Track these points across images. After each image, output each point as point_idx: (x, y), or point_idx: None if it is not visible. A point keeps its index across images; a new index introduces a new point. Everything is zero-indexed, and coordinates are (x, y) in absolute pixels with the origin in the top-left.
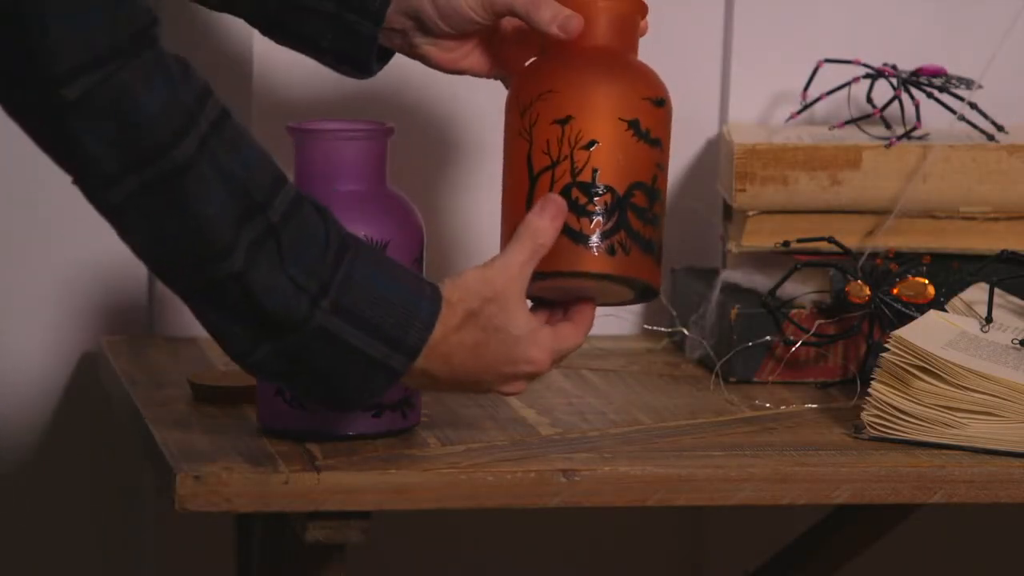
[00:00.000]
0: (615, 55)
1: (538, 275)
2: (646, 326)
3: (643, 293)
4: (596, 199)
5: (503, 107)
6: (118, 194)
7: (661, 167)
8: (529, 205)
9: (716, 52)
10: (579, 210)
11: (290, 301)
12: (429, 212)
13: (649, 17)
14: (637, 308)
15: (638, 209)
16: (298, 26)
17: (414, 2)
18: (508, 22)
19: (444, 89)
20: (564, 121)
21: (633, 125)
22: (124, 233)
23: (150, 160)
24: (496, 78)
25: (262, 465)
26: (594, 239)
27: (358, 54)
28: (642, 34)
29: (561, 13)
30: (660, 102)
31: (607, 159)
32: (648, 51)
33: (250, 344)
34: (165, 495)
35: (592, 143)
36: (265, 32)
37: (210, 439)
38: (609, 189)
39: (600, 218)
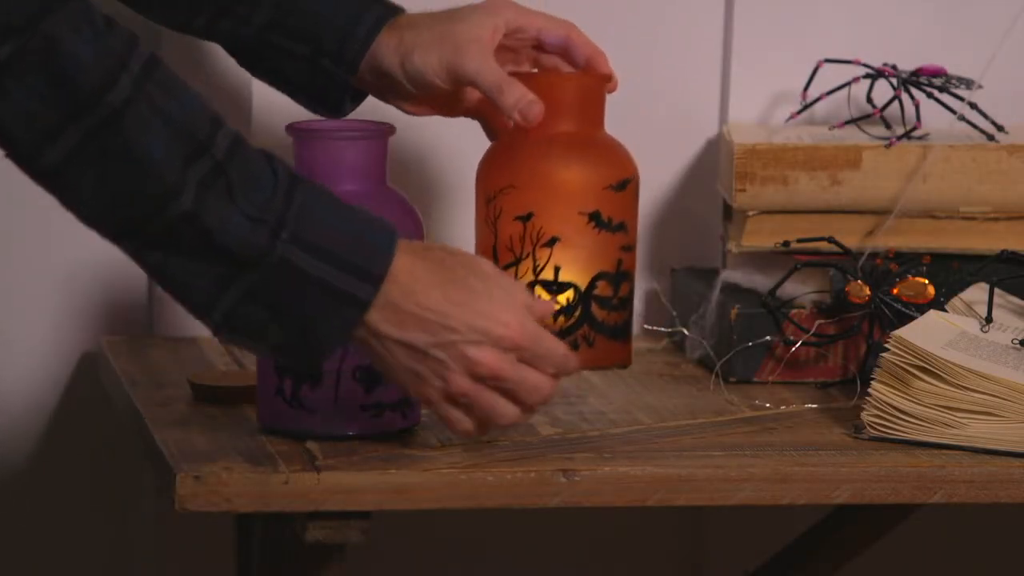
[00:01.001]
0: (578, 139)
1: None
2: (646, 326)
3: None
4: (559, 297)
5: None
6: (60, 150)
7: (627, 248)
8: None
9: (716, 52)
10: None
11: (248, 236)
12: (429, 212)
13: (649, 17)
14: (637, 308)
15: (601, 299)
16: (273, 63)
17: (385, 62)
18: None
19: None
20: (526, 218)
21: (594, 217)
22: (70, 192)
23: (87, 107)
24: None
25: (262, 465)
26: (557, 336)
27: (330, 96)
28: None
29: (524, 98)
30: (622, 185)
31: (569, 255)
32: (649, 51)
33: (215, 289)
34: (165, 495)
35: (553, 240)
36: (242, 64)
37: (210, 439)
38: (571, 285)
39: (563, 316)
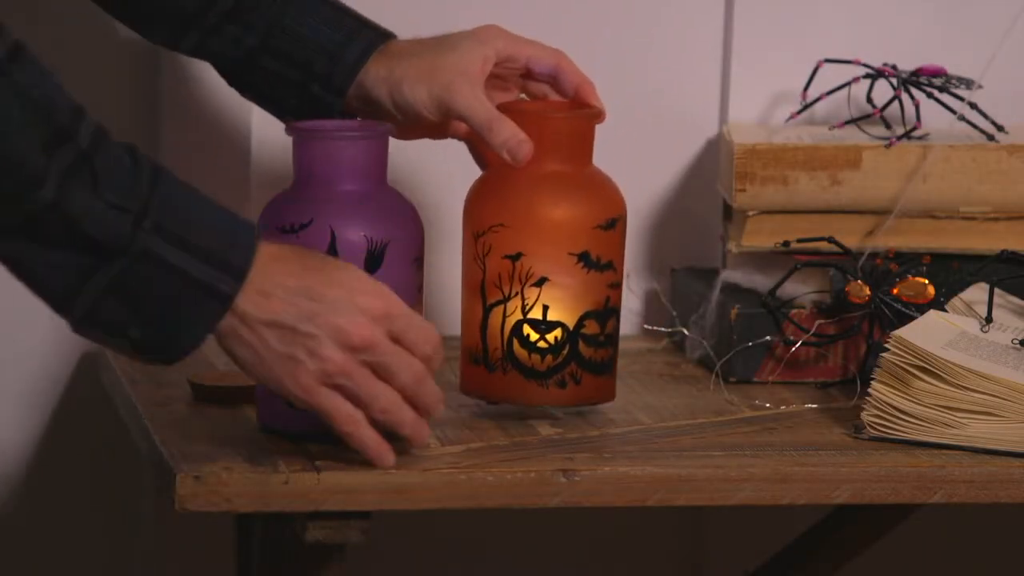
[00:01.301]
0: (568, 177)
1: (489, 401)
2: (646, 326)
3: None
4: (547, 335)
5: None
6: None
7: (614, 285)
8: (484, 334)
9: (716, 52)
10: (530, 346)
11: (111, 225)
12: (429, 212)
13: (649, 17)
14: (637, 308)
15: (589, 338)
16: (263, 86)
17: (373, 92)
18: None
19: None
20: (515, 257)
21: (583, 257)
22: None
23: None
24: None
25: (262, 465)
26: (545, 374)
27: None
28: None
29: (514, 138)
30: (611, 224)
31: (557, 295)
32: (649, 50)
33: (77, 281)
34: (165, 495)
35: (542, 280)
36: (231, 84)
37: (210, 439)
38: (559, 324)
39: (550, 354)
